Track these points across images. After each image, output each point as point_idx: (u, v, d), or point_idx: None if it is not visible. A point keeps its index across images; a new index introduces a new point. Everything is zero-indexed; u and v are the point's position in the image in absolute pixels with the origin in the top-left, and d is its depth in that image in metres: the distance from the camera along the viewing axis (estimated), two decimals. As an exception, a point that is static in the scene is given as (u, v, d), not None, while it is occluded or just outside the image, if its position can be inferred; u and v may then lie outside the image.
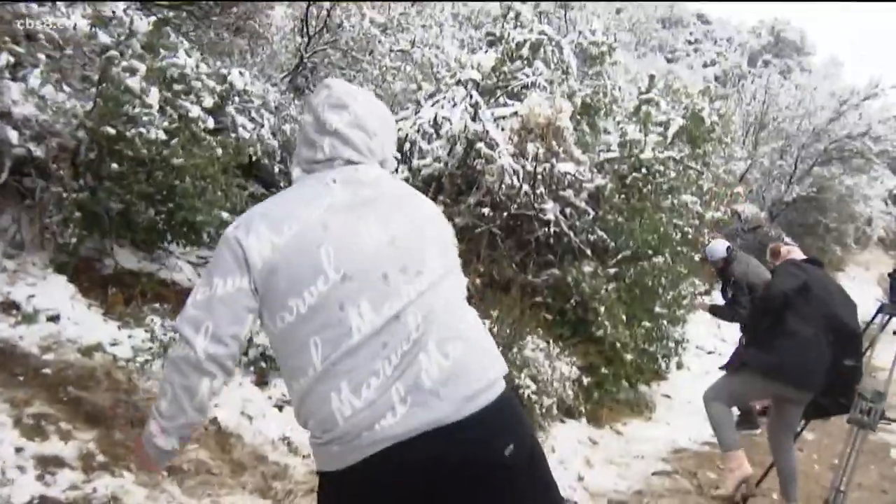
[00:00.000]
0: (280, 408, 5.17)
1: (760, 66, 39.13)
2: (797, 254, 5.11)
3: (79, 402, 4.43)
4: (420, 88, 7.85)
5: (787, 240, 5.87)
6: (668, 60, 40.41)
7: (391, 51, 8.87)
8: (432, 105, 6.35)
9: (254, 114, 7.20)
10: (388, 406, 1.69)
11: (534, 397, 5.16)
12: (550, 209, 6.22)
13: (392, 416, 1.68)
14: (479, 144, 5.95)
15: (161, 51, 5.69)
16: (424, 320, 1.76)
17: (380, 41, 8.21)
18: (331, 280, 1.74)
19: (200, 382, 1.81)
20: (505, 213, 6.22)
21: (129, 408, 4.58)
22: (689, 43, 48.75)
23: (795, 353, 4.45)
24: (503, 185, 5.86)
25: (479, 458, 1.73)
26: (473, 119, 5.96)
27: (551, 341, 5.85)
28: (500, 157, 5.76)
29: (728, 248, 6.61)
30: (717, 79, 31.53)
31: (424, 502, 1.73)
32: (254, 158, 7.06)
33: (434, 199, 6.95)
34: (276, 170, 7.07)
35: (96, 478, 3.79)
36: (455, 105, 6.12)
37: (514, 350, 5.20)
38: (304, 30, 8.03)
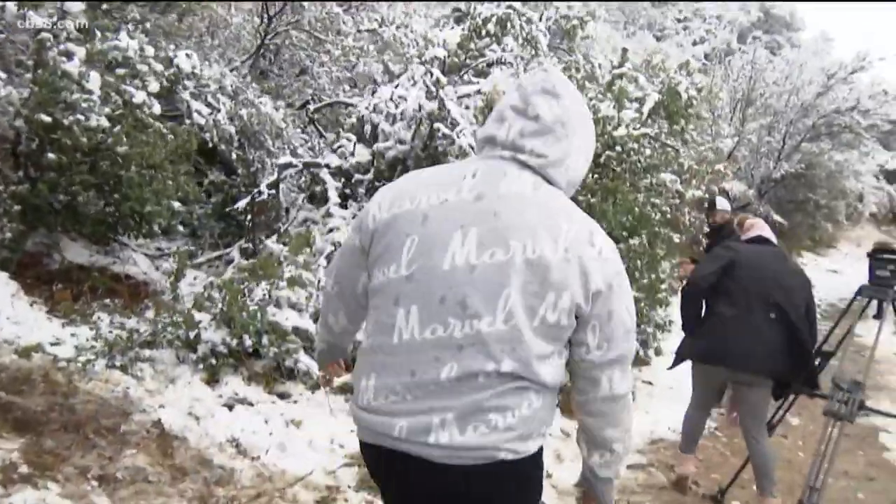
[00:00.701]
0: (230, 407, 4.90)
1: (750, 43, 38.74)
2: (761, 229, 4.84)
3: (8, 408, 4.16)
4: (387, 69, 7.53)
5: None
6: (657, 38, 40.03)
7: (359, 31, 8.55)
8: (392, 84, 6.05)
9: (210, 98, 6.90)
10: (391, 421, 1.73)
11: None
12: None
13: (392, 431, 1.73)
14: (437, 124, 5.65)
15: (97, 33, 5.37)
16: (461, 372, 1.69)
17: (344, 21, 7.89)
18: (400, 273, 1.75)
19: (328, 315, 2.17)
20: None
21: (65, 411, 4.31)
22: (679, 21, 48.34)
23: (719, 333, 4.37)
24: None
25: (437, 489, 1.76)
26: (433, 98, 5.66)
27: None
28: (458, 136, 5.47)
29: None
30: (706, 56, 31.17)
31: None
32: (210, 145, 6.77)
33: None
34: (234, 156, 6.77)
35: (16, 491, 3.51)
36: (414, 83, 5.81)
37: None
38: (265, 10, 7.70)
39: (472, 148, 5.53)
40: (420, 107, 5.60)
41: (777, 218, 16.48)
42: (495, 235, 1.69)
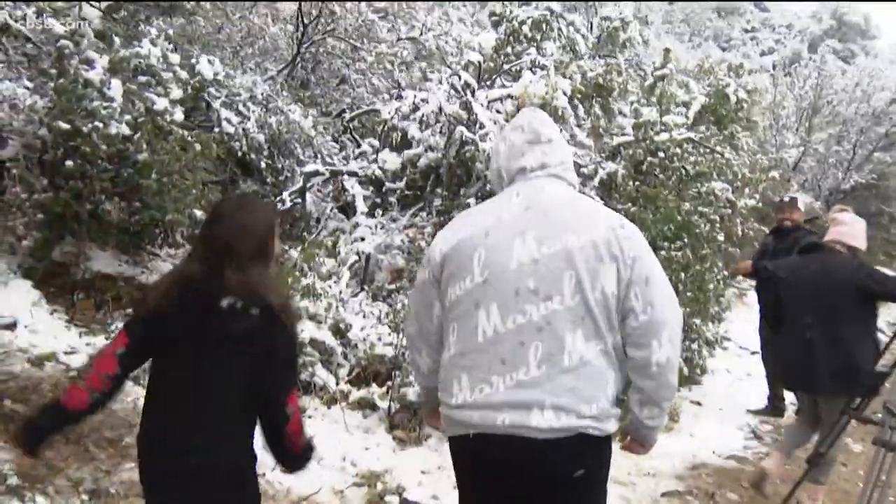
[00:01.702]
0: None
1: (821, 52, 37.44)
2: (833, 234, 4.45)
3: (11, 417, 4.07)
4: (426, 77, 7.33)
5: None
6: (723, 50, 39.03)
7: (399, 39, 8.39)
8: (416, 89, 5.84)
9: (241, 107, 6.82)
10: (492, 414, 1.98)
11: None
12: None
13: (493, 418, 1.98)
14: (460, 129, 5.40)
15: (116, 39, 5.31)
16: (545, 351, 1.98)
17: (380, 28, 7.74)
18: (475, 280, 2.06)
19: (415, 356, 2.41)
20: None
21: (69, 423, 4.21)
22: (746, 31, 47.11)
23: (779, 352, 4.63)
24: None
25: (551, 474, 2.03)
26: (462, 102, 5.42)
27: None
28: (482, 140, 5.20)
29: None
30: (774, 67, 30.17)
31: (496, 488, 2.10)
32: (240, 153, 6.69)
33: (432, 192, 6.44)
34: (263, 164, 6.66)
35: (0, 504, 3.38)
36: (441, 86, 5.59)
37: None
38: (299, 18, 7.61)
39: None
40: (440, 109, 5.37)
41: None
42: (549, 232, 2.04)
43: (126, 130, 5.36)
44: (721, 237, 6.78)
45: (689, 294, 6.12)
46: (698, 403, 7.20)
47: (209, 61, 5.90)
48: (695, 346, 6.45)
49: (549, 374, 1.96)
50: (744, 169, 7.58)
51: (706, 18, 44.82)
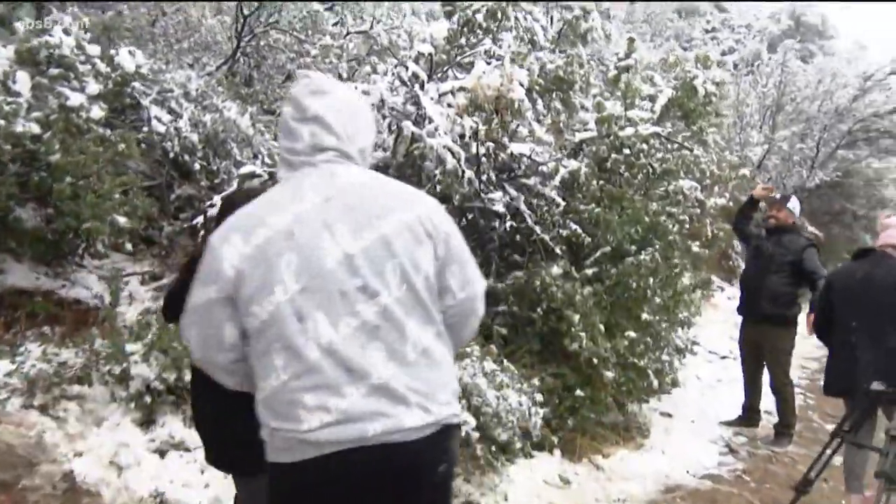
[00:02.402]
0: (162, 453, 4.19)
1: (780, 52, 37.68)
2: (884, 238, 4.49)
3: None
4: (374, 70, 6.83)
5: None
6: (685, 49, 39.08)
7: (347, 33, 7.89)
8: (356, 81, 5.35)
9: (174, 104, 6.27)
10: (355, 421, 1.77)
11: (474, 434, 4.12)
12: (499, 200, 5.19)
13: (361, 430, 1.77)
14: (406, 123, 4.94)
15: (19, 26, 4.75)
16: (388, 349, 1.82)
17: (326, 21, 7.23)
18: (290, 290, 1.79)
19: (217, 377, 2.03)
20: (446, 206, 5.21)
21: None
22: (707, 31, 47.39)
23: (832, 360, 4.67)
24: (444, 173, 4.84)
25: (427, 476, 1.89)
26: (408, 95, 4.95)
27: (505, 361, 4.80)
28: (428, 136, 4.74)
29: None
30: (735, 66, 30.21)
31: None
32: (171, 154, 6.14)
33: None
34: (197, 166, 6.11)
35: None
36: (388, 78, 5.11)
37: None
38: (239, 10, 7.07)
39: (450, 151, 4.81)
40: (383, 102, 4.90)
41: (812, 230, 15.47)
42: (360, 221, 1.86)
43: (35, 129, 4.80)
44: (692, 243, 6.38)
45: (657, 301, 5.71)
46: (668, 415, 6.81)
47: (130, 52, 5.33)
48: (665, 356, 6.04)
49: (401, 370, 1.83)
50: (712, 166, 7.20)
51: (667, 19, 44.98)
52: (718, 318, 11.53)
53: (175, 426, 4.41)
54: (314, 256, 1.80)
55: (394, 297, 1.84)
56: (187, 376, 4.44)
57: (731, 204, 7.60)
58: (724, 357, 9.91)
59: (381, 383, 1.79)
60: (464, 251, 2.03)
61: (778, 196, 6.55)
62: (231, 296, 1.83)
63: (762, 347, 6.30)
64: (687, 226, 6.70)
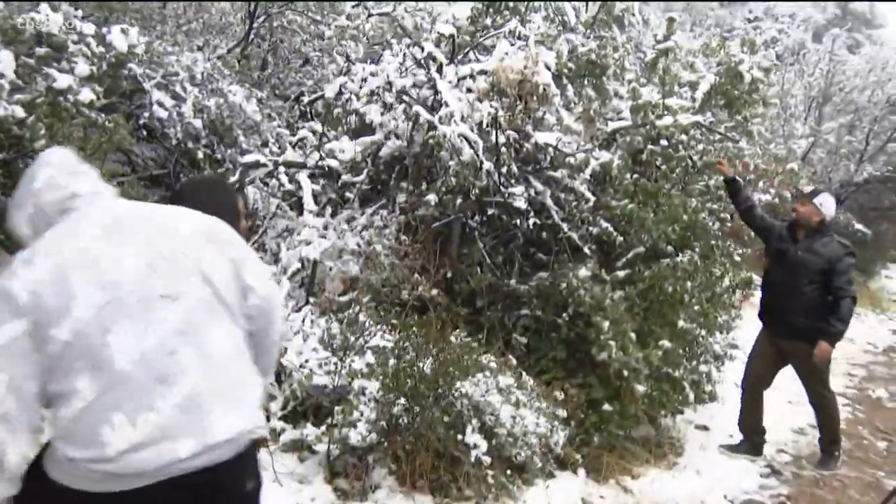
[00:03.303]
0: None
1: (827, 40, 36.50)
2: None
3: None
4: (389, 49, 6.40)
5: None
6: (725, 39, 38.08)
7: (369, 16, 7.45)
8: (368, 62, 4.91)
9: (178, 89, 5.90)
10: (170, 440, 1.68)
11: (485, 458, 3.67)
12: (521, 194, 4.72)
13: (174, 451, 1.69)
14: (416, 108, 4.49)
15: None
16: (195, 358, 1.77)
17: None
18: (92, 306, 1.71)
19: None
20: (463, 201, 4.76)
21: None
22: (749, 21, 46.21)
23: None
24: (461, 164, 4.39)
25: (241, 496, 1.88)
26: (423, 79, 4.50)
27: (524, 375, 4.35)
28: (443, 123, 4.28)
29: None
30: (778, 57, 29.26)
31: None
32: (174, 142, 5.79)
33: (397, 186, 5.53)
34: (200, 154, 5.74)
35: None
36: (395, 58, 4.66)
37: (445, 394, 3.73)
38: (252, -10, 6.67)
39: (465, 139, 4.35)
40: (389, 84, 4.45)
41: (859, 227, 14.72)
42: (151, 230, 1.87)
43: (20, 112, 4.45)
44: (733, 241, 5.82)
45: (696, 307, 5.20)
46: (705, 428, 6.29)
47: (122, 31, 4.94)
48: (703, 366, 5.52)
49: (211, 376, 1.78)
50: (756, 160, 6.64)
51: (708, 8, 44.04)
52: (755, 315, 10.94)
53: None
54: (112, 268, 1.75)
55: (197, 299, 1.82)
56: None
57: (776, 200, 7.07)
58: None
59: (194, 391, 1.73)
60: (252, 253, 2.07)
61: (805, 190, 5.75)
62: (30, 323, 1.68)
63: (789, 361, 5.56)
64: (729, 223, 6.16)
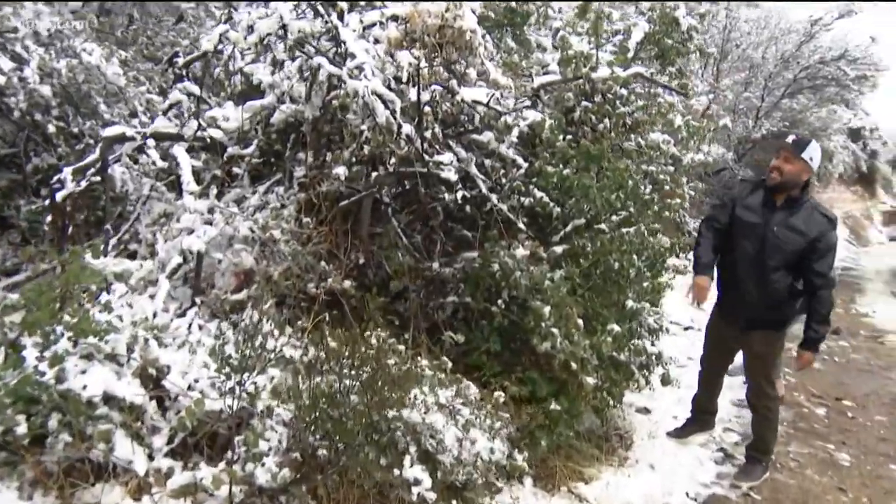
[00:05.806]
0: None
1: None
2: None
3: None
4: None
5: None
6: None
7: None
8: (253, 5, 4.03)
9: (19, 48, 4.82)
10: None
11: (429, 495, 2.96)
12: (449, 163, 3.99)
13: None
14: (318, 60, 3.67)
15: None
16: None
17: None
18: None
19: None
20: (379, 173, 3.99)
21: None
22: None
23: None
24: (375, 128, 3.61)
25: None
26: (325, 27, 3.68)
27: (463, 382, 3.65)
28: (351, 77, 3.50)
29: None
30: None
31: None
32: (16, 113, 4.73)
33: (293, 158, 4.69)
34: (52, 128, 4.72)
35: None
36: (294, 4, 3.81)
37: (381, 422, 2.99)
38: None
39: (378, 96, 3.56)
40: (284, 29, 3.61)
41: None
42: None
43: None
44: (670, 204, 5.26)
45: (645, 284, 4.64)
46: (646, 410, 5.82)
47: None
48: (650, 345, 4.98)
49: None
50: (687, 116, 6.13)
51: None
52: (674, 283, 10.66)
53: (9, 496, 3.11)
54: None
55: None
56: (20, 426, 3.15)
57: (710, 160, 6.62)
58: (687, 328, 9.02)
59: None
60: None
61: (789, 140, 4.40)
62: None
63: (740, 349, 4.88)
64: (667, 186, 5.63)
